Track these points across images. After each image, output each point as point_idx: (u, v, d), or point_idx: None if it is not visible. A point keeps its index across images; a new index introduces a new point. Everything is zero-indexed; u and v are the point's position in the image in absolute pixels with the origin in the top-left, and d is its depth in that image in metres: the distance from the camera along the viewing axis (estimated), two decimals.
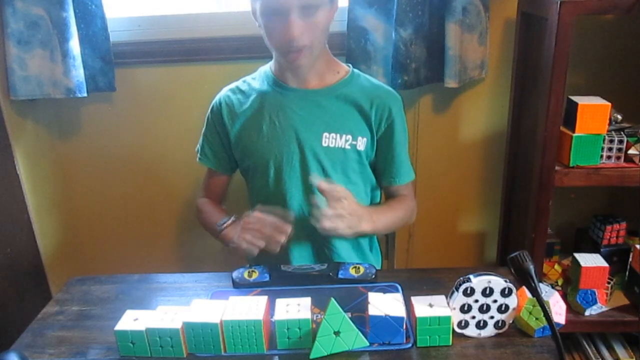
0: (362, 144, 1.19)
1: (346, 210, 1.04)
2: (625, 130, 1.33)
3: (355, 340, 0.85)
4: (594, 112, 1.26)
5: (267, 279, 1.05)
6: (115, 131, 1.69)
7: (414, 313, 0.87)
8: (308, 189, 1.20)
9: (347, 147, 1.19)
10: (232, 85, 1.27)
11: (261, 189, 1.24)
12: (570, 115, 1.29)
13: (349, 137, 1.18)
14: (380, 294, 0.90)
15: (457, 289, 0.86)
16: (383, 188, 1.29)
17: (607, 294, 1.47)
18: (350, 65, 1.26)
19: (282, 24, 1.06)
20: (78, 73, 1.47)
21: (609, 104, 1.27)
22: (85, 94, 1.50)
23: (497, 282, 0.85)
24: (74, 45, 1.45)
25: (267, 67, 1.25)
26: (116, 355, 0.87)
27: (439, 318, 0.85)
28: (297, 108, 1.19)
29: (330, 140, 1.18)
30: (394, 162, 1.23)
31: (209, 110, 1.27)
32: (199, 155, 1.30)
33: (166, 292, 1.06)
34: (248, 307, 0.87)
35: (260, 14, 1.10)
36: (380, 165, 1.24)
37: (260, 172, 1.22)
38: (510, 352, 0.85)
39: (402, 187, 1.27)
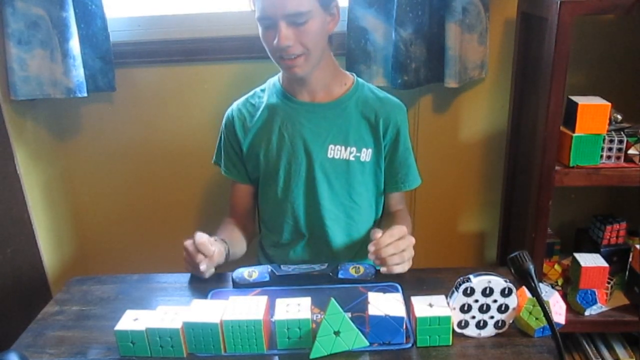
0: (366, 155, 1.23)
1: (408, 254, 1.03)
2: (625, 130, 1.33)
3: (355, 340, 0.85)
4: (594, 112, 1.26)
5: (267, 279, 1.05)
6: (115, 131, 1.69)
7: (414, 313, 0.87)
8: (312, 198, 1.24)
9: (352, 158, 1.22)
10: (243, 99, 1.30)
11: (270, 198, 1.27)
12: (570, 115, 1.29)
13: (354, 149, 1.22)
14: (380, 294, 0.90)
15: (457, 289, 0.86)
16: (386, 195, 1.31)
17: (607, 294, 1.47)
18: (354, 74, 1.28)
19: (273, 32, 1.09)
20: (78, 73, 1.47)
21: (609, 104, 1.27)
22: (85, 94, 1.50)
23: (497, 282, 0.85)
24: (74, 45, 1.45)
25: (276, 79, 1.28)
26: (116, 355, 0.87)
27: (439, 318, 0.85)
28: (305, 121, 1.22)
29: (336, 152, 1.22)
30: (402, 169, 1.26)
31: (223, 125, 1.30)
32: (223, 169, 1.32)
33: (166, 292, 1.06)
34: (248, 307, 0.87)
35: (258, 23, 1.13)
36: (388, 173, 1.27)
37: (270, 182, 1.26)
38: (510, 352, 0.85)
39: (399, 198, 1.30)
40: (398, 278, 1.05)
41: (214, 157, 1.34)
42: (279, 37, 1.08)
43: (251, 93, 1.30)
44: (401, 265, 1.01)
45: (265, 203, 1.30)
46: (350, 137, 1.22)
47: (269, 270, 1.06)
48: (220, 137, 1.32)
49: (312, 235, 1.28)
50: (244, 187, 1.33)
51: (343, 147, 1.22)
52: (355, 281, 1.05)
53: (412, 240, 1.04)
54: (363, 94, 1.24)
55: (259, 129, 1.25)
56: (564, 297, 1.47)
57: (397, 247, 1.00)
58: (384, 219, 1.33)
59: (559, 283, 1.54)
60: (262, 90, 1.29)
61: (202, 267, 1.04)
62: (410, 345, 0.87)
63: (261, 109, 1.25)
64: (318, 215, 1.25)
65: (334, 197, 1.24)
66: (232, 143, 1.28)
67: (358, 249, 1.30)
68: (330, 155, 1.22)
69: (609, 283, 1.46)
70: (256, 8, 1.11)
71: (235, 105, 1.29)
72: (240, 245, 1.26)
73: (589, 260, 1.38)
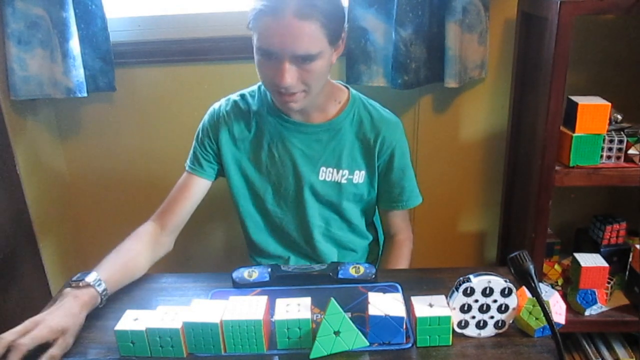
0: (359, 177, 1.19)
1: None
2: (625, 130, 1.33)
3: (355, 340, 0.85)
4: (594, 112, 1.26)
5: (267, 279, 1.05)
6: (115, 131, 1.69)
7: (414, 313, 0.87)
8: (302, 216, 1.22)
9: (344, 181, 1.19)
10: (232, 100, 1.21)
11: (256, 213, 1.24)
12: (570, 115, 1.29)
13: (346, 172, 1.18)
14: (380, 294, 0.90)
15: (457, 289, 0.86)
16: (384, 212, 1.27)
17: (607, 294, 1.47)
18: (348, 87, 1.22)
19: (274, 66, 1.00)
20: (78, 73, 1.47)
21: (609, 104, 1.27)
22: (85, 94, 1.50)
23: (497, 282, 0.85)
24: (74, 45, 1.45)
25: None
26: (116, 355, 0.87)
27: (439, 318, 0.85)
28: (297, 141, 1.17)
29: (327, 174, 1.18)
30: (395, 189, 1.21)
31: (206, 120, 1.21)
32: (190, 163, 1.22)
33: (166, 292, 1.06)
34: (248, 307, 0.87)
35: (255, 49, 1.03)
36: (383, 192, 1.23)
37: (257, 198, 1.22)
38: (510, 352, 0.85)
39: (400, 219, 1.27)
40: (398, 278, 1.05)
41: (189, 161, 1.23)
42: (281, 76, 0.99)
43: (239, 96, 1.21)
44: None
45: (250, 218, 1.25)
46: (343, 160, 1.17)
47: (269, 270, 1.06)
48: (198, 133, 1.22)
49: (303, 250, 1.26)
50: (204, 182, 1.21)
51: (335, 170, 1.17)
52: (355, 281, 1.04)
53: None
54: (358, 113, 1.18)
55: (247, 143, 1.19)
56: (564, 297, 1.47)
57: None
58: (385, 243, 1.31)
59: (559, 283, 1.54)
60: (252, 96, 1.20)
61: (55, 351, 0.83)
62: (410, 345, 0.87)
63: (250, 122, 1.18)
64: (308, 232, 1.22)
65: (324, 216, 1.22)
66: (212, 140, 1.19)
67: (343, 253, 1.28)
68: (321, 178, 1.18)
69: (609, 283, 1.46)
70: (257, 36, 1.00)
71: (224, 104, 1.21)
72: (132, 273, 1.08)
73: (589, 260, 1.38)
